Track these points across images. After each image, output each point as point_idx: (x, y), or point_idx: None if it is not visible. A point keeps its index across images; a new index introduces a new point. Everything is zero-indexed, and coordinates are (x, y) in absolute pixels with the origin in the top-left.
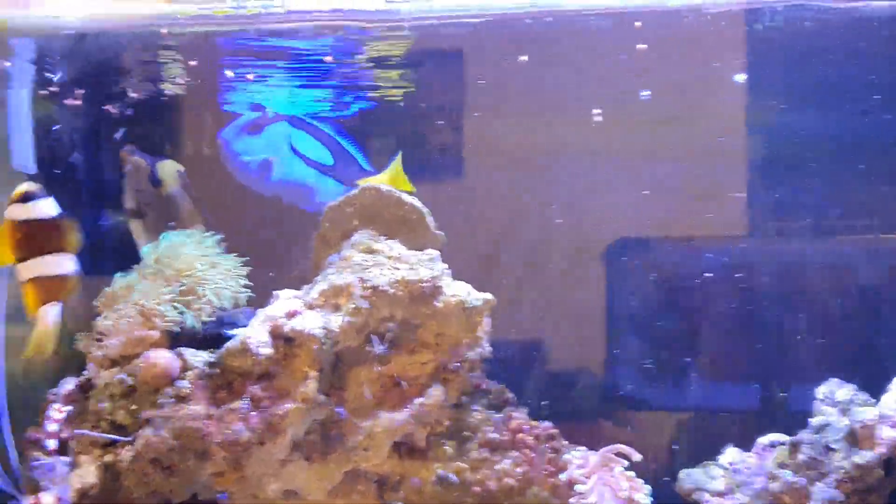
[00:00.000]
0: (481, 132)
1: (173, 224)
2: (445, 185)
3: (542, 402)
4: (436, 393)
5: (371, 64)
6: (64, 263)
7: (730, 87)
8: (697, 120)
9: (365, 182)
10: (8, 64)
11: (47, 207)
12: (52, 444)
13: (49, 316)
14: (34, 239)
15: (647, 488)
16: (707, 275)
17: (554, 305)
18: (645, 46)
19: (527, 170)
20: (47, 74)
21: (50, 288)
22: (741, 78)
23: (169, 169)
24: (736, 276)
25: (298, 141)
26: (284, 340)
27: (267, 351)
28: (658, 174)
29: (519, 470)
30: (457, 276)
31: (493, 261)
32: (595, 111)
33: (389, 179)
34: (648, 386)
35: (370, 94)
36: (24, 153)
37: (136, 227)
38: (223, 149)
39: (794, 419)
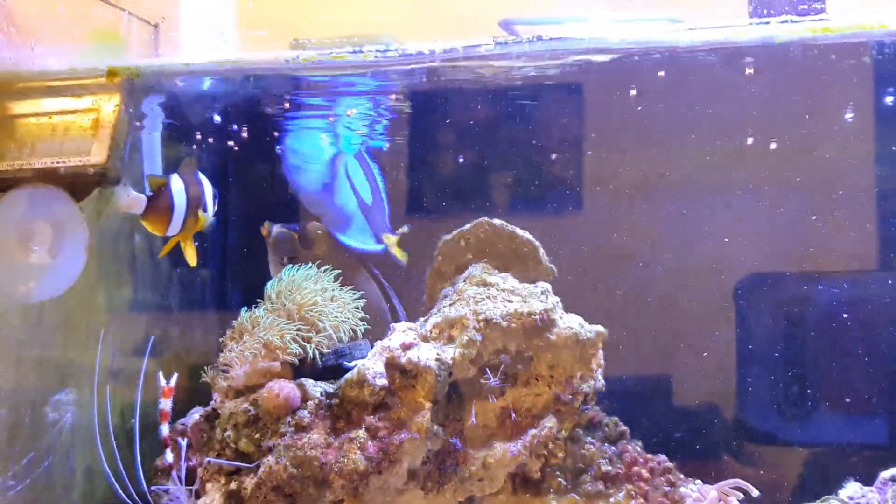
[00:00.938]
0: (602, 165)
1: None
2: (565, 218)
3: (666, 437)
4: (549, 424)
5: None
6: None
7: (855, 119)
8: (824, 153)
9: (387, 240)
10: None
11: None
12: (170, 456)
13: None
14: None
15: None
16: (838, 309)
17: (680, 340)
18: (755, 76)
19: (650, 204)
20: (177, 118)
21: None
22: (867, 110)
23: (317, 230)
24: (866, 310)
25: (353, 171)
26: (400, 372)
27: (383, 382)
28: (787, 208)
29: (633, 503)
30: (578, 309)
31: (618, 295)
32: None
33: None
34: (775, 421)
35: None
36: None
37: None
38: (287, 155)
39: None
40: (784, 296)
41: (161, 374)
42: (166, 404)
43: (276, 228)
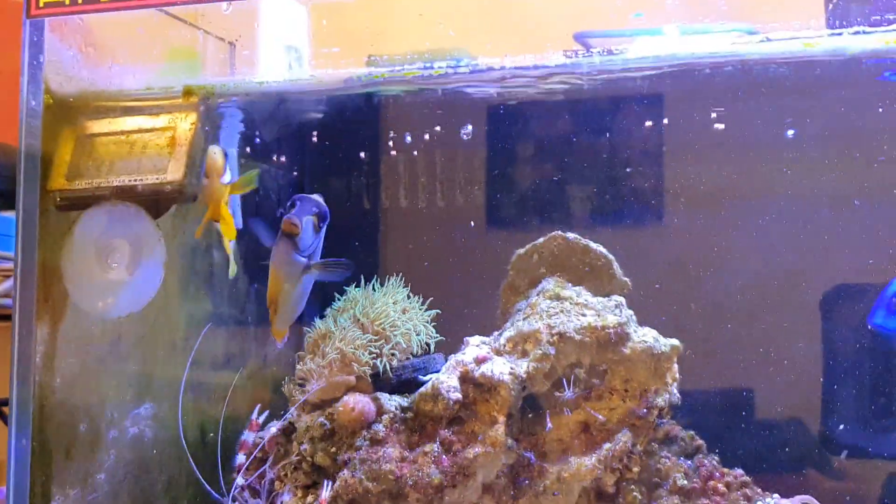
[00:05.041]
0: (678, 178)
1: None
2: (641, 231)
3: (747, 450)
4: (624, 438)
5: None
6: None
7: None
8: None
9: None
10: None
11: None
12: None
13: None
14: None
15: None
16: None
17: (762, 353)
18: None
19: (729, 217)
20: (251, 136)
21: None
22: None
23: None
24: None
25: None
26: (474, 385)
27: (457, 396)
28: (873, 218)
29: None
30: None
31: (702, 308)
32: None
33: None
34: (861, 435)
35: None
36: (232, 209)
37: None
38: None
39: None
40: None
41: (258, 408)
42: (249, 436)
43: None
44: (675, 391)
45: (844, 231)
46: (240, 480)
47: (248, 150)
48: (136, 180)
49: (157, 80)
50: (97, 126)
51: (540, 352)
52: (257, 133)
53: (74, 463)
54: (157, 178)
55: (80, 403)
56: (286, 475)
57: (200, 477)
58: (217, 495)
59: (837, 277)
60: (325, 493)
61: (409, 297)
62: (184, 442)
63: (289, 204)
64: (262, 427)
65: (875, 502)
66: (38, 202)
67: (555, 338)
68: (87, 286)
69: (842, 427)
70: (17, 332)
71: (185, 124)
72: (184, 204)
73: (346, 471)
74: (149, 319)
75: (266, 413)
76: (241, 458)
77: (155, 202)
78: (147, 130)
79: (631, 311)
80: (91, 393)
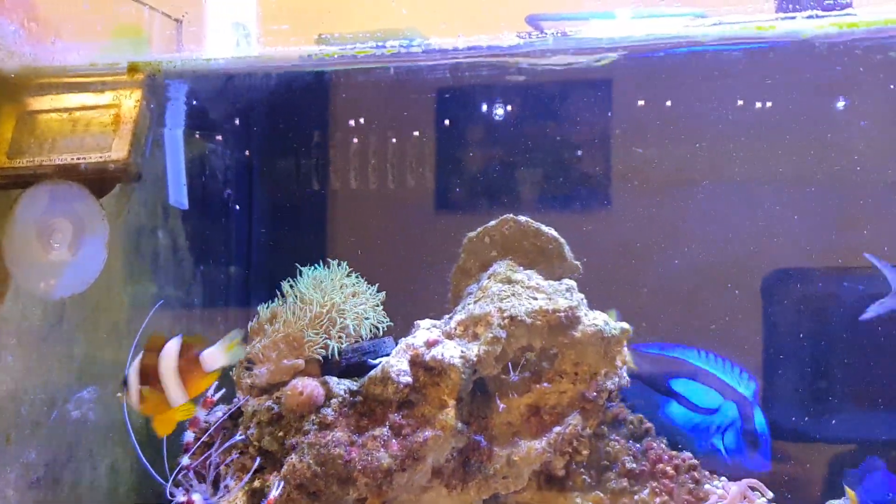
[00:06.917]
0: (628, 161)
1: None
2: (592, 214)
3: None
4: (574, 422)
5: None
6: None
7: (880, 114)
8: (851, 149)
9: None
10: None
11: None
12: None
13: None
14: None
15: None
16: (864, 305)
17: (707, 337)
18: None
19: (677, 201)
20: (198, 114)
21: None
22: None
23: None
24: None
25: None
26: (424, 369)
27: (407, 379)
28: (814, 202)
29: (658, 500)
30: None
31: (645, 291)
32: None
33: None
34: (801, 417)
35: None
36: (178, 190)
37: None
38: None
39: None
40: (810, 291)
41: (214, 386)
42: (202, 414)
43: None
44: (625, 374)
45: (788, 216)
46: (185, 461)
47: (194, 128)
48: (79, 158)
49: (101, 57)
50: (40, 103)
51: (491, 335)
52: (205, 111)
53: (15, 447)
54: (101, 157)
55: (21, 386)
56: (232, 460)
57: (144, 460)
58: (160, 479)
59: (777, 262)
60: (275, 492)
61: (356, 281)
62: (129, 425)
63: None
64: (210, 410)
65: (816, 484)
66: None
67: (506, 321)
68: (29, 266)
69: (782, 410)
70: None
71: (130, 102)
72: (128, 183)
73: (293, 455)
74: (92, 300)
75: (222, 391)
76: (189, 435)
77: (99, 181)
78: (91, 108)
79: (582, 295)
80: (33, 376)
